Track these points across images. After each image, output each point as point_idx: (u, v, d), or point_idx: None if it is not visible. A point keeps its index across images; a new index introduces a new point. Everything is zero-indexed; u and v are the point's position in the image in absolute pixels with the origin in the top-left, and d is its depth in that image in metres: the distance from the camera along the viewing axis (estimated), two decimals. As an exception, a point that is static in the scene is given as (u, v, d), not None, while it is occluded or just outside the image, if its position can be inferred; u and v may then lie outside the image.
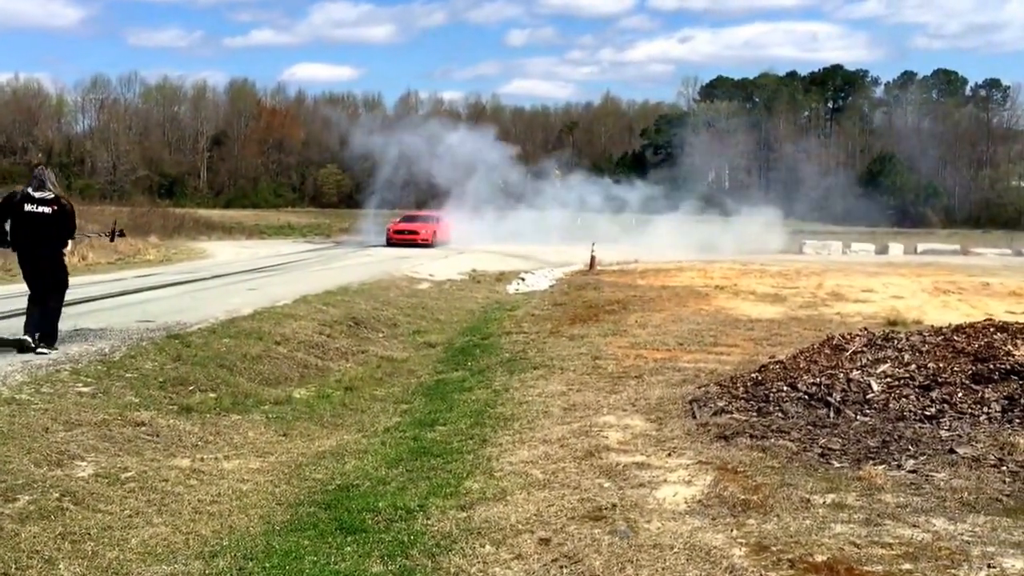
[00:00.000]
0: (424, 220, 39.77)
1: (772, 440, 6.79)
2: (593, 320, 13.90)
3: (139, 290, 17.08)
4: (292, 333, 12.32)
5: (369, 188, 53.75)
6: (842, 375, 7.83)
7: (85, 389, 8.63)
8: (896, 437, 6.61)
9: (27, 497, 6.08)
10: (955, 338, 8.46)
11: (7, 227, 9.74)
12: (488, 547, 5.40)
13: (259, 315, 13.16)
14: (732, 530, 5.32)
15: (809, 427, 7.00)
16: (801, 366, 8.38)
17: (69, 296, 15.01)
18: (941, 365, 7.78)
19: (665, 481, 6.25)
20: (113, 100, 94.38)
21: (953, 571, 4.60)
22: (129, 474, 6.82)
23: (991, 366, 7.57)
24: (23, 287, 10.51)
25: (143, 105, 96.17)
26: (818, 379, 7.85)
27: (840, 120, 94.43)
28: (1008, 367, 7.48)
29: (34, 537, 5.54)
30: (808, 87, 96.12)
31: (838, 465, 6.24)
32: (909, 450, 6.37)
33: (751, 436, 6.92)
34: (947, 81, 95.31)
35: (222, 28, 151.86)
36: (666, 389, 8.90)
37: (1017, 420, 6.76)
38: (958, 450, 6.27)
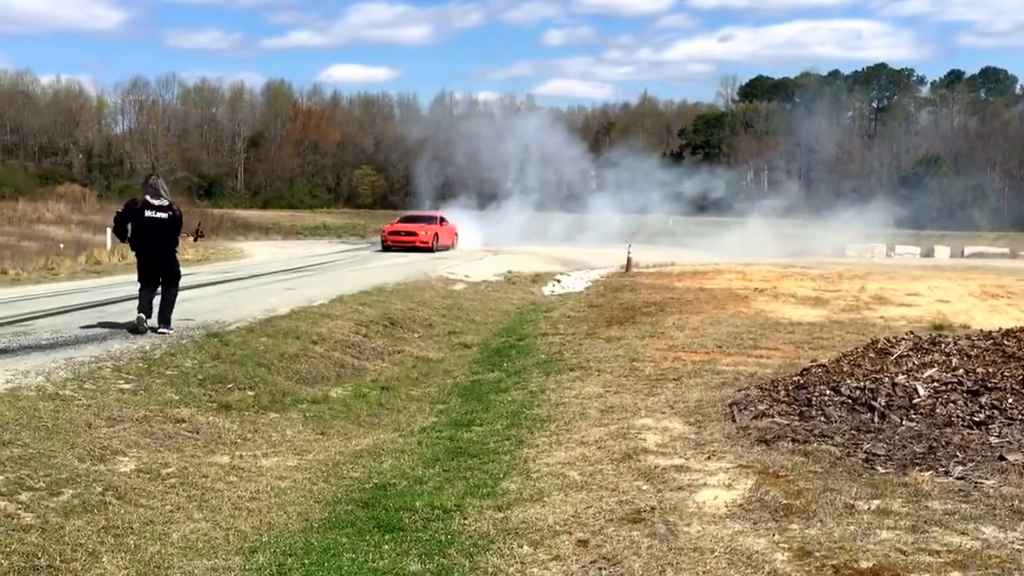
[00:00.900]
0: (425, 221, 36.08)
1: (815, 444, 6.68)
2: (630, 322, 13.81)
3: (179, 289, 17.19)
4: (329, 333, 12.35)
5: (408, 187, 53.17)
6: (887, 379, 7.69)
7: (127, 386, 8.69)
8: (943, 443, 6.48)
9: (71, 491, 6.12)
10: (1005, 342, 8.29)
11: (128, 228, 11.12)
12: (526, 548, 5.35)
13: (296, 314, 13.21)
14: (774, 535, 5.23)
15: (853, 432, 6.87)
16: (844, 370, 8.25)
17: (109, 295, 15.34)
18: (990, 370, 7.62)
19: (705, 484, 6.17)
20: (152, 102, 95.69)
21: (1004, 580, 4.49)
22: (170, 470, 6.85)
23: (1042, 371, 7.41)
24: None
25: (181, 107, 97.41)
26: (862, 383, 7.71)
27: (884, 120, 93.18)
28: (1059, 373, 7.31)
29: (78, 530, 5.58)
30: (851, 86, 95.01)
31: (883, 471, 6.12)
32: (957, 456, 6.23)
33: (793, 440, 6.81)
34: (995, 80, 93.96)
35: (260, 30, 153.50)
36: (705, 392, 8.80)
37: (1068, 427, 6.60)
38: (1008, 457, 6.13)
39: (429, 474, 7.03)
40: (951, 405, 7.13)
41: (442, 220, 36.56)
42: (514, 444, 7.63)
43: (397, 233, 34.34)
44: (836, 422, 7.14)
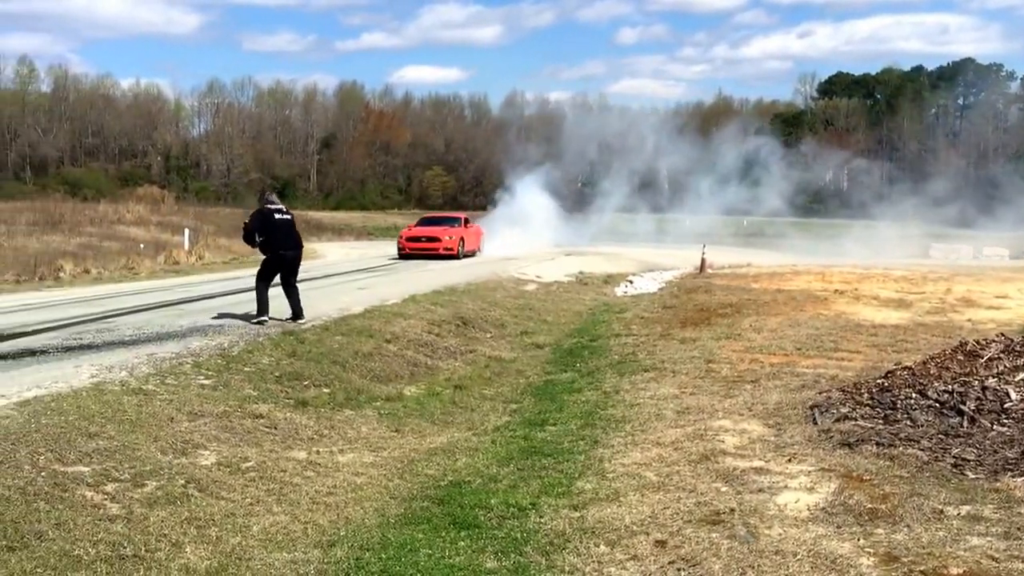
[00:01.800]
0: (448, 223, 30.82)
1: (900, 448, 6.50)
2: (705, 323, 13.63)
3: (250, 289, 17.45)
4: (402, 331, 12.42)
5: (479, 188, 52.41)
6: (977, 383, 7.44)
7: (206, 382, 8.85)
8: (1037, 449, 6.25)
9: (154, 483, 6.25)
10: (1100, 346, 7.98)
11: (257, 236, 11.96)
12: (603, 547, 5.30)
13: (370, 313, 13.31)
14: (859, 539, 5.10)
15: (940, 436, 6.67)
16: (931, 373, 8.01)
17: (188, 294, 15.64)
18: (1085, 374, 7.34)
19: (786, 487, 6.04)
20: (228, 104, 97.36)
21: (1104, 591, 4.30)
22: (249, 464, 6.95)
23: None
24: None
25: (256, 109, 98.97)
26: (950, 386, 7.48)
27: (971, 117, 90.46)
28: None
29: (162, 521, 5.69)
30: (935, 82, 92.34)
31: (973, 476, 5.92)
32: (1051, 462, 6.00)
33: (877, 444, 6.63)
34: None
35: (334, 32, 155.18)
36: (784, 394, 8.63)
37: None
38: (1105, 464, 5.89)
39: (503, 472, 7.02)
40: (1045, 410, 6.88)
41: (467, 221, 31.66)
42: (589, 444, 7.58)
43: (416, 239, 28.82)
44: (923, 426, 6.93)
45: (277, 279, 12.15)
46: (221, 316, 12.69)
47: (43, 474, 6.01)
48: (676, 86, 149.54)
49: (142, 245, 31.20)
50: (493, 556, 5.34)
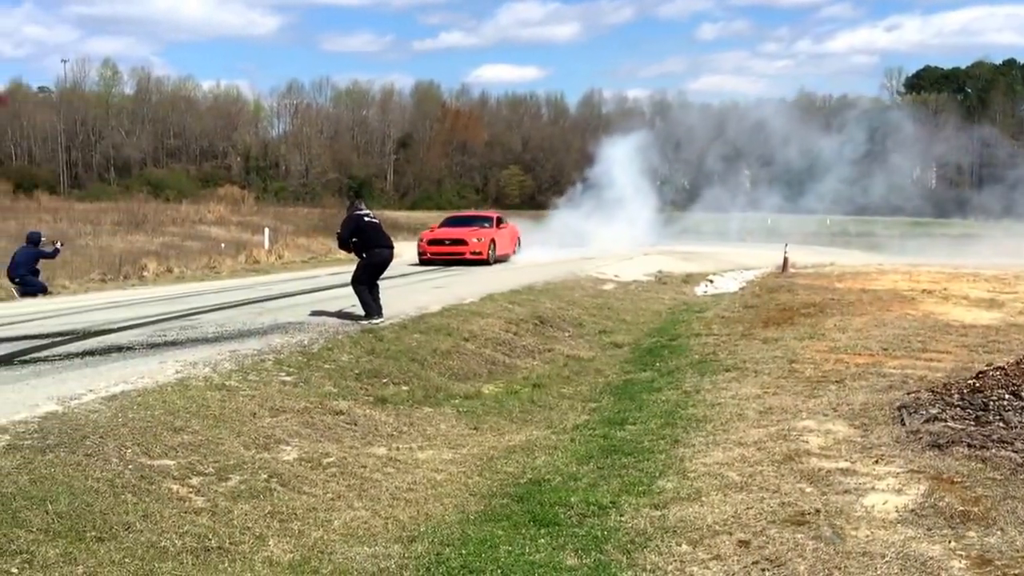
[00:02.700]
0: (477, 223, 26.91)
1: (992, 451, 6.27)
2: (787, 323, 13.37)
3: (332, 287, 17.68)
4: (480, 330, 12.44)
5: (556, 187, 51.43)
6: (1074, 383, 7.16)
7: (287, 378, 8.97)
8: None
9: (238, 477, 6.35)
10: None
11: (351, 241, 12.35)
12: (684, 546, 5.23)
13: (447, 312, 13.37)
14: (950, 542, 4.94)
15: (1036, 438, 6.43)
16: (1025, 373, 7.73)
17: (270, 291, 15.87)
18: None
19: (873, 488, 5.88)
20: (306, 105, 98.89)
21: None
22: (330, 459, 7.02)
23: None
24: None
25: (333, 109, 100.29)
26: (1045, 387, 7.22)
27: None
28: None
29: (245, 515, 5.77)
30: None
31: (1071, 479, 5.69)
32: None
33: (968, 446, 6.41)
34: None
35: (411, 31, 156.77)
36: (870, 395, 8.41)
37: None
38: None
39: (583, 471, 6.97)
40: None
41: (499, 221, 27.57)
42: (669, 443, 7.48)
43: (439, 242, 25.07)
44: (1016, 428, 6.68)
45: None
46: (301, 314, 12.87)
47: (130, 467, 6.14)
48: (757, 82, 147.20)
49: (223, 244, 31.93)
50: (573, 553, 5.30)
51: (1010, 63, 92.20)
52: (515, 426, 8.66)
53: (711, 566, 4.93)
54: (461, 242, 24.69)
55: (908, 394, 8.14)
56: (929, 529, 5.14)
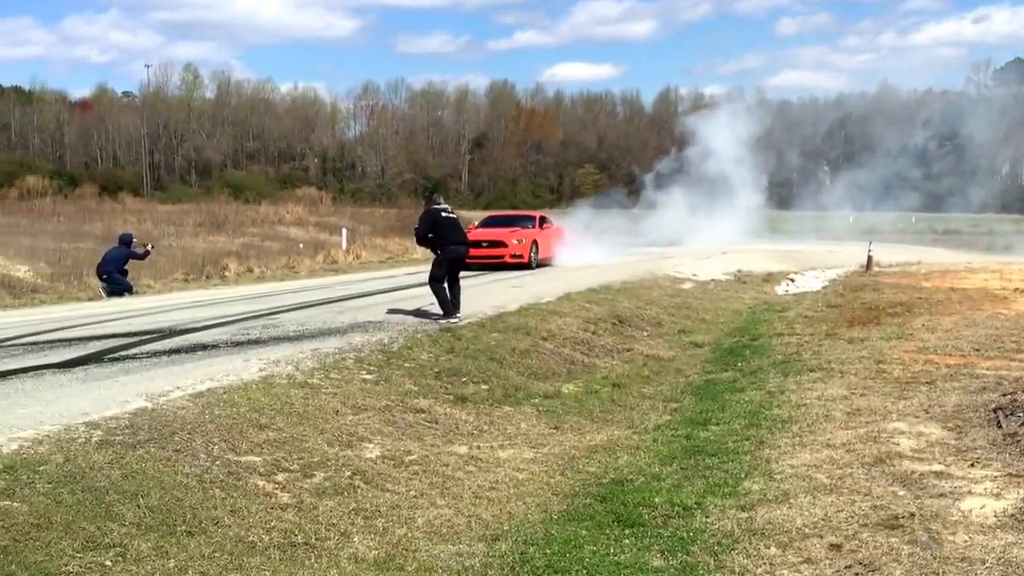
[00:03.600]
0: (518, 223, 24.39)
1: (1098, 454, 6.02)
2: (873, 323, 13.05)
3: (409, 286, 17.79)
4: (558, 329, 12.38)
5: (633, 185, 49.38)
6: None
7: (368, 376, 9.02)
8: None
9: (322, 474, 6.40)
10: None
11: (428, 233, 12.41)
12: (773, 549, 5.11)
13: (525, 311, 13.32)
14: (1055, 549, 4.74)
15: None
16: None
17: (348, 291, 16.06)
18: None
19: (969, 492, 5.70)
20: (382, 106, 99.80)
21: None
22: (412, 457, 7.04)
23: None
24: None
25: (409, 110, 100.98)
26: None
27: None
28: None
29: (330, 511, 5.82)
30: None
31: None
32: None
33: (1072, 449, 6.17)
34: None
35: (486, 32, 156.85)
36: (964, 396, 8.14)
37: None
38: None
39: (666, 471, 6.87)
40: None
41: (543, 221, 24.92)
42: (754, 444, 7.34)
43: (476, 244, 20.45)
44: (1123, 431, 6.41)
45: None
46: (380, 313, 12.96)
47: (217, 463, 6.23)
48: (838, 77, 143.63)
49: (301, 245, 32.37)
50: (659, 555, 5.23)
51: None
52: (596, 426, 8.59)
53: (802, 570, 4.82)
54: (500, 244, 22.59)
55: (1004, 396, 7.87)
56: (1031, 535, 4.96)
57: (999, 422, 7.07)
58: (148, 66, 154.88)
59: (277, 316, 12.84)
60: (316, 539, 5.44)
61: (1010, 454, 6.34)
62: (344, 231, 31.88)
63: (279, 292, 17.74)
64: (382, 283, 19.07)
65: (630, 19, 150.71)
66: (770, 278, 22.49)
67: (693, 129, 38.39)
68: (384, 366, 9.49)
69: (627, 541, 5.44)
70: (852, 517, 5.41)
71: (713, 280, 20.89)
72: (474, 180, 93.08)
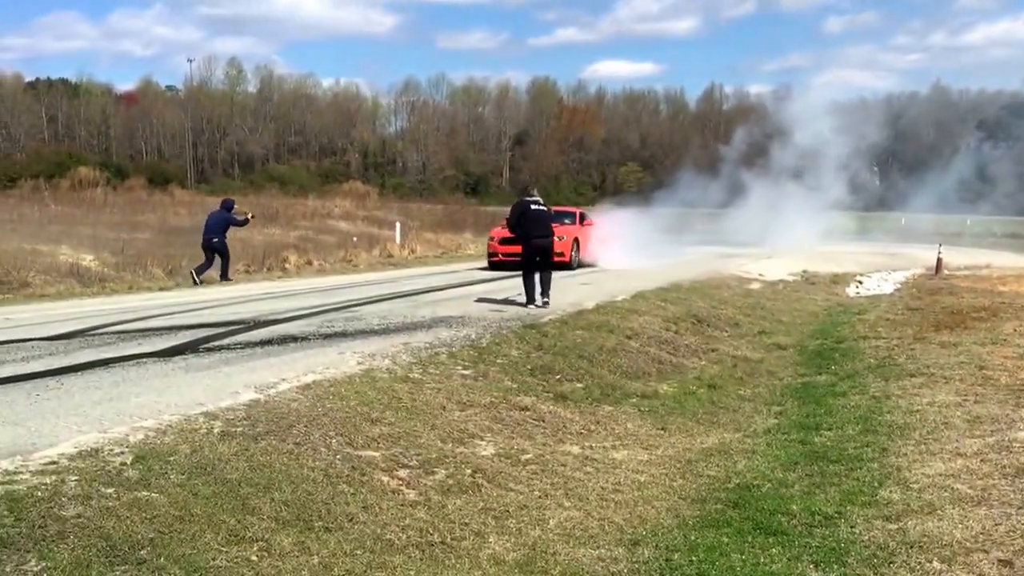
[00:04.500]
0: (556, 220, 18.22)
1: None
2: (960, 327, 12.73)
3: (476, 282, 17.72)
4: (640, 328, 12.18)
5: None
6: None
7: (465, 372, 8.89)
8: None
9: (443, 471, 6.27)
10: None
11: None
12: (936, 563, 4.91)
13: (602, 309, 13.13)
14: None
15: None
16: None
17: (415, 285, 15.97)
18: None
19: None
20: (423, 102, 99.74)
21: None
22: (528, 456, 6.89)
23: None
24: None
25: (449, 106, 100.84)
26: None
27: None
28: None
29: (459, 510, 5.68)
30: None
31: None
32: None
33: None
34: None
35: (527, 28, 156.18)
36: (1086, 405, 7.87)
37: None
38: None
39: (792, 477, 6.67)
40: None
41: (583, 217, 22.85)
42: (877, 451, 7.11)
43: (511, 240, 17.81)
44: None
45: None
46: (457, 308, 12.85)
47: (339, 457, 6.12)
48: (887, 77, 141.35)
49: (355, 238, 32.38)
50: (813, 566, 5.03)
51: None
52: (702, 428, 8.38)
53: (976, 586, 4.61)
54: None
55: None
56: None
57: None
58: (191, 60, 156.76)
59: (355, 309, 12.74)
60: (452, 539, 5.31)
61: None
62: (398, 225, 31.83)
63: (347, 285, 17.68)
64: (446, 278, 18.94)
65: (672, 16, 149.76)
66: (838, 279, 22.12)
67: (784, 120, 37.47)
68: (478, 362, 9.35)
69: (775, 550, 5.25)
70: (1013, 531, 5.19)
71: (781, 281, 20.56)
72: (515, 177, 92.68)
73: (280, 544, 4.84)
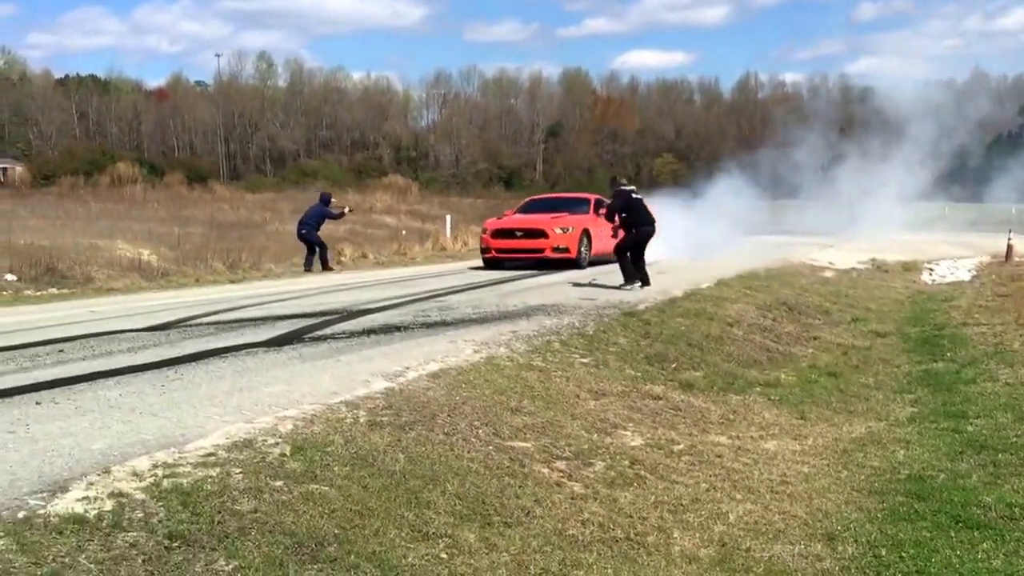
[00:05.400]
0: (565, 208, 19.22)
1: None
2: (1064, 313, 12.31)
3: (542, 272, 17.34)
4: (737, 315, 11.82)
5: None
6: None
7: (584, 360, 8.58)
8: None
9: (601, 463, 5.97)
10: None
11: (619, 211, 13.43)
12: None
13: (692, 296, 12.78)
14: None
15: None
16: None
17: (488, 276, 15.65)
18: None
19: None
20: (454, 95, 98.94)
21: None
22: (679, 447, 6.58)
23: None
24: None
25: (481, 99, 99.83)
26: None
27: None
28: None
29: (631, 503, 5.39)
30: None
31: None
32: None
33: None
34: None
35: (556, 19, 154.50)
36: None
37: None
38: None
39: (962, 467, 6.32)
40: None
41: (598, 205, 18.53)
42: (1044, 440, 6.74)
43: (507, 234, 17.98)
44: None
45: None
46: (545, 297, 12.50)
47: (491, 447, 5.83)
48: (922, 64, 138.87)
49: (404, 232, 32.20)
50: (1036, 561, 4.67)
51: None
52: (842, 417, 8.01)
53: None
54: (539, 234, 17.73)
55: None
56: None
57: None
58: (219, 55, 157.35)
59: (442, 299, 12.45)
60: (635, 534, 5.00)
61: None
62: (448, 218, 31.58)
63: (415, 277, 17.41)
64: (512, 271, 18.52)
65: (702, 5, 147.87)
66: (908, 267, 21.62)
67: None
68: (591, 350, 9.03)
69: (986, 545, 4.90)
70: None
71: (852, 268, 20.12)
72: (549, 169, 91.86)
73: (466, 540, 4.55)
